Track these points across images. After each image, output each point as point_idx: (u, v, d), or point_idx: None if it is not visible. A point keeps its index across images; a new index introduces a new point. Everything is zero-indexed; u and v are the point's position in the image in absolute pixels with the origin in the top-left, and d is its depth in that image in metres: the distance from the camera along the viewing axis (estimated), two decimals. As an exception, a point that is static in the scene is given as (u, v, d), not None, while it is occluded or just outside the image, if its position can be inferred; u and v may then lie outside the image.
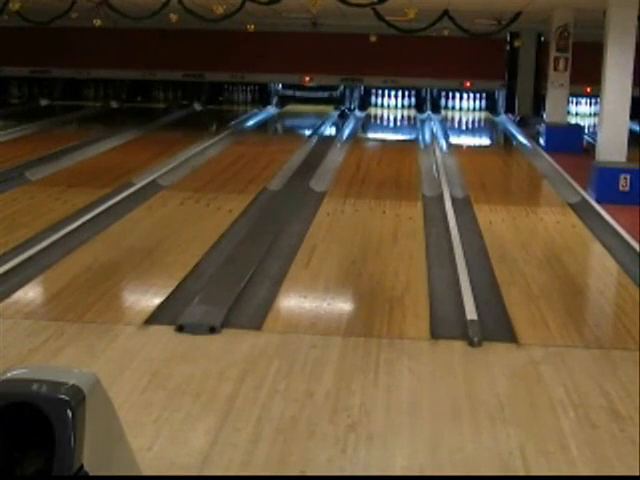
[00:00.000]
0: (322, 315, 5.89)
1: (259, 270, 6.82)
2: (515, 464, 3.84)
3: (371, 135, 18.68)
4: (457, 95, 21.52)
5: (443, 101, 21.59)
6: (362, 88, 21.50)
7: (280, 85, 21.89)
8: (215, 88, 21.85)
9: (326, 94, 21.62)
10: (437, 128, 17.76)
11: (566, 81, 14.87)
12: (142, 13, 13.81)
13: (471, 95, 21.51)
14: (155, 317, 5.70)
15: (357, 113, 20.69)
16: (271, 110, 21.00)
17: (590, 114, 20.48)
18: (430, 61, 20.10)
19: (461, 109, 21.62)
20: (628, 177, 9.93)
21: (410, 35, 14.98)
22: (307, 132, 16.79)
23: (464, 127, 20.28)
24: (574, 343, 5.47)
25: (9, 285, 6.25)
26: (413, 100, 21.55)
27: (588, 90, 19.22)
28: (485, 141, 18.71)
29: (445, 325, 5.72)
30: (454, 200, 9.75)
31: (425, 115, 20.23)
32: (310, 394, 4.53)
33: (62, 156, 12.26)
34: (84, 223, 8.22)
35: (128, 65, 20.52)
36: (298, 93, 21.82)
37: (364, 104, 21.43)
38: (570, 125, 15.74)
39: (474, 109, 21.62)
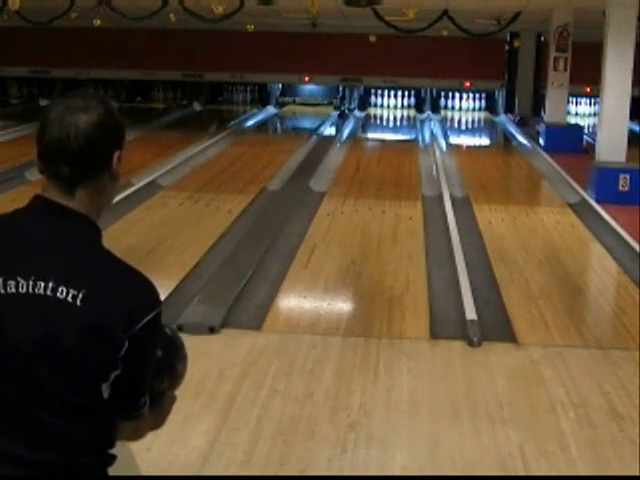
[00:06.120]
0: (322, 315, 5.89)
1: (258, 270, 6.81)
2: (515, 464, 3.84)
3: (371, 135, 18.68)
4: (457, 95, 21.51)
5: (443, 101, 21.58)
6: (362, 88, 21.49)
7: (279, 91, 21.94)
8: (215, 88, 21.85)
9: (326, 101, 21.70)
10: (437, 128, 17.76)
11: (566, 81, 14.86)
12: (142, 13, 13.80)
13: (470, 95, 21.50)
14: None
15: (357, 113, 20.69)
16: (270, 110, 21.01)
17: (590, 114, 20.47)
18: (430, 61, 20.07)
19: (461, 109, 21.61)
20: (628, 177, 9.92)
21: (410, 35, 14.96)
22: (307, 132, 16.78)
23: (464, 127, 20.27)
24: (574, 343, 5.47)
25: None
26: (413, 100, 21.54)
27: (588, 90, 19.20)
28: (485, 141, 18.71)
29: (445, 325, 5.72)
30: (454, 200, 9.75)
31: (425, 115, 20.22)
32: (310, 394, 4.53)
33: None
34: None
35: (128, 65, 20.49)
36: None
37: (364, 104, 21.42)
38: (570, 125, 15.72)
39: (474, 109, 21.61)
